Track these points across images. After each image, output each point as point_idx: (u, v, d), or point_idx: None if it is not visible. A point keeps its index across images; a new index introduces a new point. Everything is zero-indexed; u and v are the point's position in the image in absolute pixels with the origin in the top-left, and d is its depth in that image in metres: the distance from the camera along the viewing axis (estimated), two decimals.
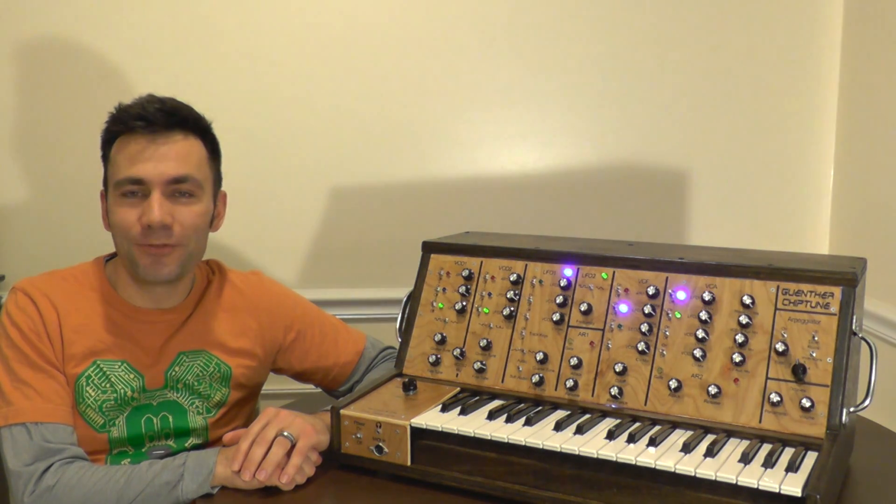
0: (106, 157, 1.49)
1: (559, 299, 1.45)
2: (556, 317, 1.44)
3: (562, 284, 1.46)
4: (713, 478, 1.15)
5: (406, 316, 1.57)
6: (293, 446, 1.36)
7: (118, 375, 1.47)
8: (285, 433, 1.37)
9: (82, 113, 2.19)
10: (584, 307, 1.43)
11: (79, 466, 1.35)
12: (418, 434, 1.35)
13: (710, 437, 1.28)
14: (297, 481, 1.35)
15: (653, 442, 1.24)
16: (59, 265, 1.56)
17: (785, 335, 1.29)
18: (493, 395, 1.45)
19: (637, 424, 1.32)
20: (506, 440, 1.29)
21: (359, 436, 1.38)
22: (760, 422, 1.27)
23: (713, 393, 1.30)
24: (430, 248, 1.60)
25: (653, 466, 1.19)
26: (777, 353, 1.29)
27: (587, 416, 1.35)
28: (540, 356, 1.43)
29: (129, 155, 1.43)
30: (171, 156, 1.43)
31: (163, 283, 1.48)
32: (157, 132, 1.43)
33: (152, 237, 1.42)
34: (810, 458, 1.20)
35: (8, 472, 1.36)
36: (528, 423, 1.33)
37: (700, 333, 1.34)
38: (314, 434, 1.39)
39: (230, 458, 1.35)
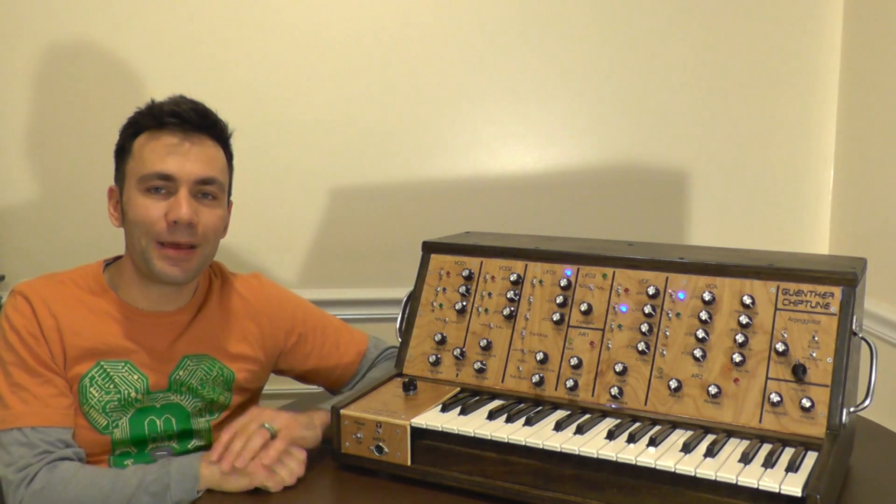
0: (127, 151, 1.47)
1: (559, 299, 1.45)
2: (556, 317, 1.44)
3: (562, 284, 1.46)
4: (713, 478, 1.15)
5: (406, 316, 1.57)
6: (274, 438, 1.36)
7: (122, 376, 1.47)
8: (266, 425, 1.38)
9: (84, 114, 2.20)
10: (584, 307, 1.43)
11: (65, 469, 1.35)
12: (418, 434, 1.35)
13: (710, 437, 1.28)
14: (285, 482, 1.34)
15: (653, 442, 1.24)
16: (60, 265, 1.55)
17: (785, 335, 1.29)
18: (493, 395, 1.45)
19: (637, 424, 1.32)
20: (506, 440, 1.29)
21: (359, 436, 1.38)
22: (760, 422, 1.27)
23: (713, 393, 1.30)
24: (430, 248, 1.60)
25: (653, 466, 1.19)
26: (777, 353, 1.29)
27: (587, 416, 1.35)
28: (540, 356, 1.43)
29: (158, 150, 1.42)
30: (202, 157, 1.44)
31: (172, 284, 1.48)
32: (188, 131, 1.44)
33: (177, 234, 1.41)
34: (810, 458, 1.20)
35: (1, 478, 1.36)
36: (528, 423, 1.33)
37: (700, 333, 1.34)
38: (297, 427, 1.40)
39: (211, 453, 1.35)
